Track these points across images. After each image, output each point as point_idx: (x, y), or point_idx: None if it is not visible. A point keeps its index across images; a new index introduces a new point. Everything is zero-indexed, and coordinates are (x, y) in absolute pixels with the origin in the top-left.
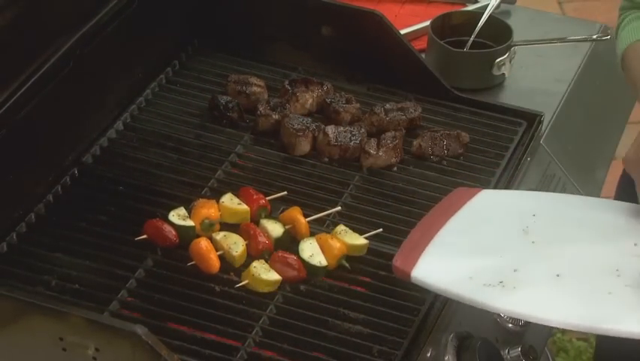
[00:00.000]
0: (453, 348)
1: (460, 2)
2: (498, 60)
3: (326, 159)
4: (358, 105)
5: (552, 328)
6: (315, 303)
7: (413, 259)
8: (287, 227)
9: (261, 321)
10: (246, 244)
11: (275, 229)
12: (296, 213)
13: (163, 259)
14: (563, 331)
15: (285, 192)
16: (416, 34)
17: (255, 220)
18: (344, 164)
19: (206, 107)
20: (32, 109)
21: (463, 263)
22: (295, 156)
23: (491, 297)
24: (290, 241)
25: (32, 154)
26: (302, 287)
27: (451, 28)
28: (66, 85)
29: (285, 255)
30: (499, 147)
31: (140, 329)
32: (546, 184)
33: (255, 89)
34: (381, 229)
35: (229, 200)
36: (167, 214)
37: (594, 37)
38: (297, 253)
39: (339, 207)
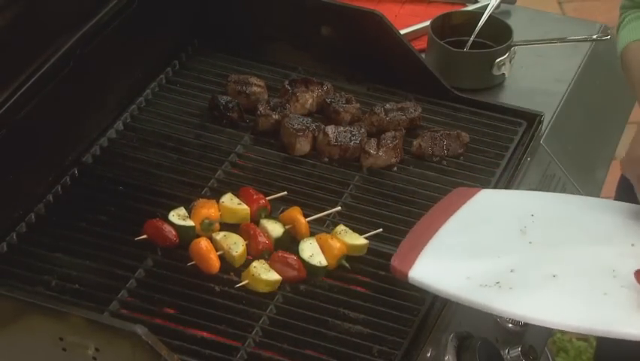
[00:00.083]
0: (453, 348)
1: (460, 2)
2: (498, 60)
3: (326, 159)
4: (358, 105)
5: (551, 328)
6: (315, 303)
7: (411, 260)
8: (287, 227)
9: (261, 321)
10: (246, 244)
11: (275, 229)
12: (296, 213)
13: (163, 259)
14: (563, 331)
15: (285, 192)
16: (416, 34)
17: (255, 220)
18: (344, 164)
19: (206, 107)
20: (32, 109)
21: (461, 263)
22: (295, 156)
23: (487, 297)
24: (290, 241)
25: (32, 154)
26: (302, 287)
27: (451, 28)
28: (66, 85)
29: (285, 255)
30: (499, 147)
31: (140, 329)
32: (546, 184)
33: (255, 89)
34: (381, 229)
35: (229, 200)
36: (167, 214)
37: (594, 37)
38: (297, 253)
39: (339, 207)
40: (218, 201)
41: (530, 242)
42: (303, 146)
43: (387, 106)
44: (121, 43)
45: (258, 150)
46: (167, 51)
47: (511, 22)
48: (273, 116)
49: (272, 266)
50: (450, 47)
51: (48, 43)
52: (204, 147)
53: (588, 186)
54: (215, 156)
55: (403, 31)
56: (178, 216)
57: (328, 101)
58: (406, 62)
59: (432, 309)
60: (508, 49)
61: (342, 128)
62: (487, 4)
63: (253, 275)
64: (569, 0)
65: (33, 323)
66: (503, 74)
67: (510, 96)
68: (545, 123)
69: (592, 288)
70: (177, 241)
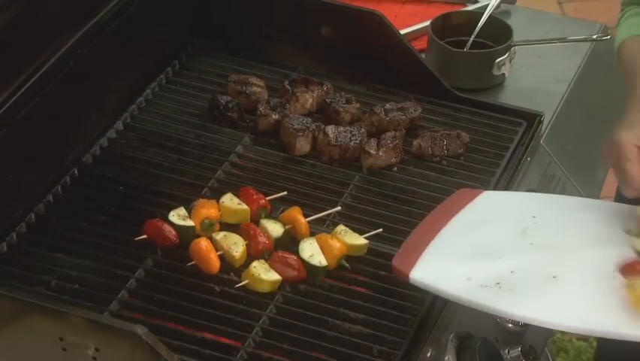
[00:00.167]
0: (453, 348)
1: (460, 2)
2: (498, 60)
3: (326, 159)
4: (358, 105)
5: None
6: (315, 303)
7: (412, 261)
8: (287, 227)
9: (261, 321)
10: (246, 244)
11: (275, 229)
12: (296, 213)
13: (163, 259)
14: (563, 331)
15: (285, 192)
16: (416, 34)
17: (255, 220)
18: (344, 164)
19: (206, 107)
20: (32, 109)
21: (462, 264)
22: (295, 156)
23: (488, 298)
24: (290, 241)
25: (32, 154)
26: (302, 287)
27: (451, 28)
28: (66, 85)
29: (285, 255)
30: (499, 147)
31: (140, 329)
32: (546, 184)
33: (255, 89)
34: (381, 229)
35: (229, 200)
36: (167, 214)
37: (594, 37)
38: (297, 253)
39: (339, 207)
40: (218, 201)
41: (531, 243)
42: (303, 146)
43: (387, 106)
44: (121, 43)
45: (258, 150)
46: (167, 51)
47: (511, 22)
48: (273, 116)
49: (272, 266)
50: (450, 47)
51: (48, 43)
52: (204, 147)
53: (588, 186)
54: (215, 156)
55: (403, 31)
56: (178, 216)
57: (328, 101)
58: (406, 62)
59: (432, 309)
60: (508, 49)
61: (342, 128)
62: (487, 4)
63: (253, 275)
64: (569, 0)
65: (33, 323)
66: (503, 74)
67: (510, 96)
68: (545, 123)
69: (592, 289)
70: (177, 241)
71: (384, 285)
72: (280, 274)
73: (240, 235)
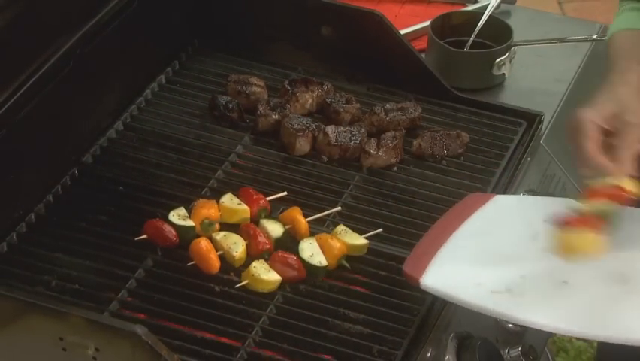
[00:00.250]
0: (453, 348)
1: (460, 2)
2: (498, 60)
3: (326, 159)
4: (358, 105)
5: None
6: (315, 303)
7: (423, 266)
8: (287, 227)
9: (261, 321)
10: (246, 244)
11: (275, 229)
12: (296, 213)
13: (163, 259)
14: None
15: (285, 192)
16: (416, 34)
17: (255, 220)
18: (344, 164)
19: (206, 107)
20: (32, 109)
21: (472, 270)
22: (295, 156)
23: (498, 304)
24: (290, 241)
25: (32, 154)
26: (302, 287)
27: (451, 28)
28: (66, 85)
29: (285, 255)
30: (499, 147)
31: (140, 329)
32: (546, 184)
33: (255, 89)
34: (381, 229)
35: (229, 200)
36: (167, 214)
37: (594, 37)
38: (297, 253)
39: (339, 207)
40: (218, 201)
41: (542, 248)
42: (303, 146)
43: (387, 106)
44: (121, 43)
45: (257, 150)
46: (167, 51)
47: (511, 22)
48: (273, 116)
49: (272, 266)
50: (450, 47)
51: (48, 43)
52: (204, 147)
53: None
54: (215, 156)
55: (403, 31)
56: (178, 216)
57: (328, 101)
58: (406, 62)
59: (432, 309)
60: (508, 49)
61: (342, 128)
62: (487, 4)
63: (253, 275)
64: (569, 0)
65: (33, 323)
66: (503, 74)
67: (510, 96)
68: (545, 123)
69: (602, 295)
70: (177, 241)
71: (384, 285)
72: (280, 274)
73: (240, 235)
